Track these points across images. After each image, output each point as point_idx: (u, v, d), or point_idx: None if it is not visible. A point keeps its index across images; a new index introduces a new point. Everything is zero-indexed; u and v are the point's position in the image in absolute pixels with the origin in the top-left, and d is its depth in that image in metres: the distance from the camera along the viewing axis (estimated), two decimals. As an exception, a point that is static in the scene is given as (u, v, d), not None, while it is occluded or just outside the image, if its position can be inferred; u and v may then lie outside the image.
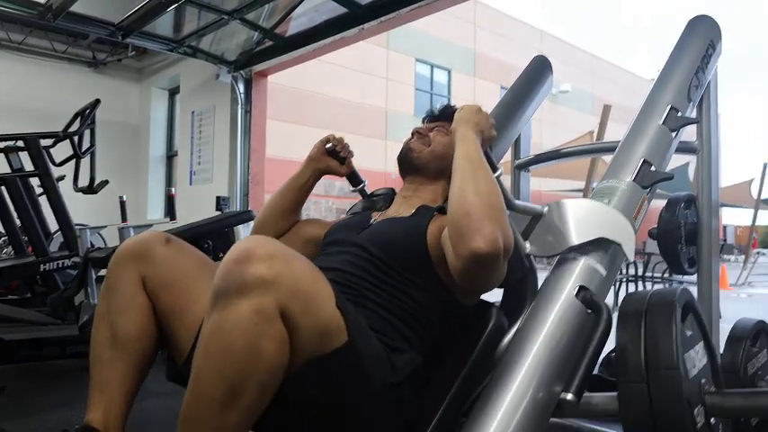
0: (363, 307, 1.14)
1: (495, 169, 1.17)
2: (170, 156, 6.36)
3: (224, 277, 0.88)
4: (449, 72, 15.16)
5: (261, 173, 4.78)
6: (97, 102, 3.37)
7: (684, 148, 1.47)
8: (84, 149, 3.38)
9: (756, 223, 14.04)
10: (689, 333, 1.11)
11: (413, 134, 1.47)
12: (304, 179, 1.52)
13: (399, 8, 3.36)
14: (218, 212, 3.19)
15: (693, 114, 1.38)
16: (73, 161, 3.45)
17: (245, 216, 2.69)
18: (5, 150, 3.32)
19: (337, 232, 1.40)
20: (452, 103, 1.48)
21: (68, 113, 3.47)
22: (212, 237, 2.50)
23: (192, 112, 5.30)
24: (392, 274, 1.20)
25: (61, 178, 3.58)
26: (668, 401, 0.99)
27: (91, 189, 3.48)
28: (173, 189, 3.17)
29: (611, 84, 19.83)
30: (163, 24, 4.13)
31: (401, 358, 1.10)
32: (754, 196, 12.74)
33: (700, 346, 1.14)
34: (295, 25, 4.00)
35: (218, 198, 3.29)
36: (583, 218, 1.15)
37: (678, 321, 1.05)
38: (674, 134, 1.27)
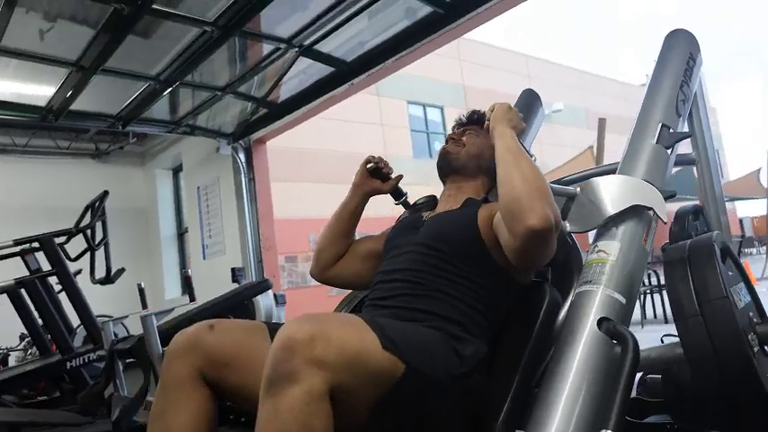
0: (435, 299, 1.25)
1: (531, 156, 1.31)
2: (181, 233, 6.45)
3: (273, 366, 0.95)
4: (441, 109, 15.36)
5: (272, 237, 4.83)
6: (105, 193, 3.45)
7: (682, 161, 1.48)
8: (97, 242, 3.44)
9: (772, 211, 13.89)
10: (730, 273, 1.17)
11: (447, 140, 1.60)
12: (353, 205, 1.63)
13: (385, 60, 3.46)
14: (235, 284, 3.21)
15: (685, 128, 1.40)
16: (88, 254, 3.51)
17: (262, 286, 2.71)
18: (22, 253, 3.39)
19: (395, 238, 1.49)
20: (478, 110, 1.61)
21: (78, 206, 3.55)
22: (234, 311, 2.51)
23: (198, 188, 5.40)
24: (454, 262, 1.29)
25: (78, 272, 3.63)
26: (724, 329, 1.04)
27: (108, 279, 3.52)
28: (189, 270, 3.22)
29: (602, 95, 19.98)
30: (160, 109, 4.25)
31: (468, 348, 1.18)
32: (765, 185, 12.64)
33: (741, 286, 1.20)
34: (286, 90, 4.11)
35: (233, 270, 3.33)
36: (614, 191, 1.25)
37: (719, 260, 1.11)
38: (669, 151, 1.29)
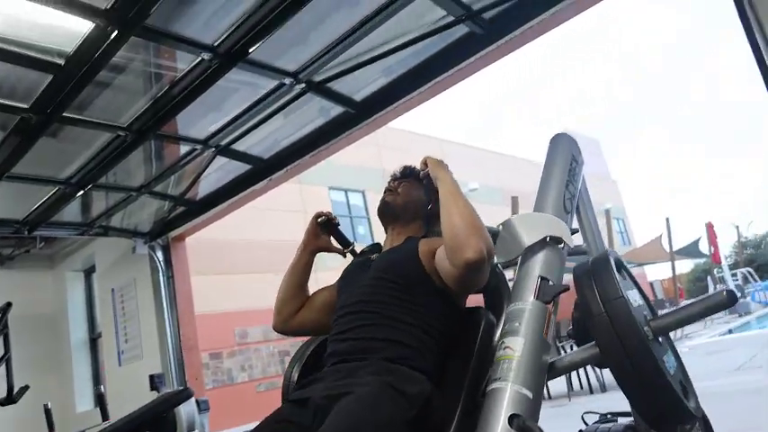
0: (391, 327, 1.41)
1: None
2: (93, 338, 6.05)
3: None
4: (363, 193, 15.72)
5: (193, 336, 4.63)
6: (8, 305, 3.23)
7: (575, 253, 1.61)
8: (-3, 358, 3.18)
9: (677, 272, 14.89)
10: (624, 281, 1.36)
11: (384, 191, 1.80)
12: (303, 262, 1.80)
13: (302, 156, 3.56)
14: (155, 391, 3.04)
15: (574, 222, 1.54)
16: (-13, 372, 3.23)
17: (183, 395, 2.57)
18: None
19: (347, 279, 1.67)
20: (411, 165, 1.84)
21: (-23, 320, 3.29)
22: (153, 425, 2.36)
23: (113, 290, 5.15)
24: (403, 291, 1.46)
25: (-26, 393, 3.31)
26: (624, 323, 1.23)
27: (10, 399, 3.23)
28: (102, 387, 3.03)
29: (514, 174, 21.18)
30: (70, 211, 4.11)
31: (414, 387, 1.29)
32: (667, 249, 13.60)
33: (635, 291, 1.41)
34: (204, 187, 4.10)
35: (151, 377, 3.16)
36: (529, 226, 1.48)
37: (614, 269, 1.32)
38: (561, 246, 1.42)
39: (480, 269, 1.33)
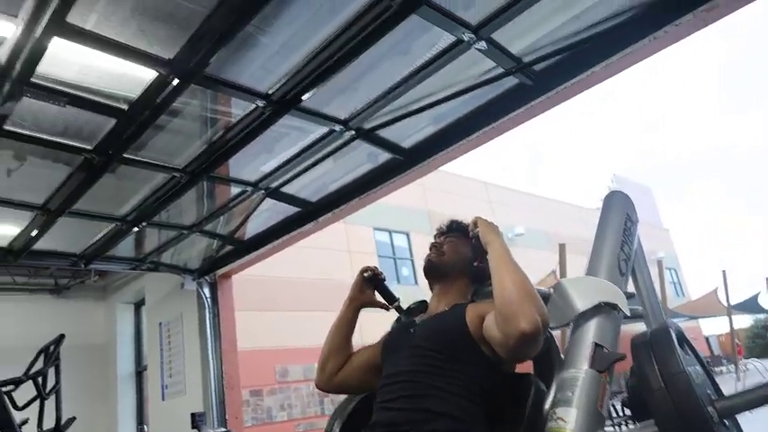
0: (435, 397, 1.37)
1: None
2: (139, 371, 6.16)
3: None
4: (407, 235, 15.70)
5: (235, 375, 4.65)
6: (62, 337, 3.33)
7: (631, 316, 1.54)
8: (48, 389, 3.26)
9: (735, 327, 14.12)
10: (687, 356, 1.30)
11: (430, 247, 1.76)
12: (349, 317, 1.80)
13: (349, 200, 3.58)
14: (195, 430, 3.04)
15: (630, 286, 1.48)
16: (37, 401, 3.31)
17: (221, 438, 2.56)
18: (-36, 403, 3.17)
19: (392, 342, 1.65)
20: (457, 219, 1.80)
21: (33, 345, 3.39)
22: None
23: (160, 324, 5.26)
24: (448, 360, 1.42)
25: (24, 422, 3.39)
26: (686, 399, 1.16)
27: (57, 430, 3.29)
28: (145, 427, 3.04)
29: (559, 218, 20.79)
30: (124, 247, 4.25)
31: None
32: (724, 303, 12.96)
33: (698, 366, 1.33)
34: (252, 228, 4.18)
35: (192, 416, 3.18)
36: (582, 290, 1.42)
37: (675, 343, 1.26)
38: (616, 311, 1.36)
39: (535, 340, 1.27)
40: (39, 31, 1.89)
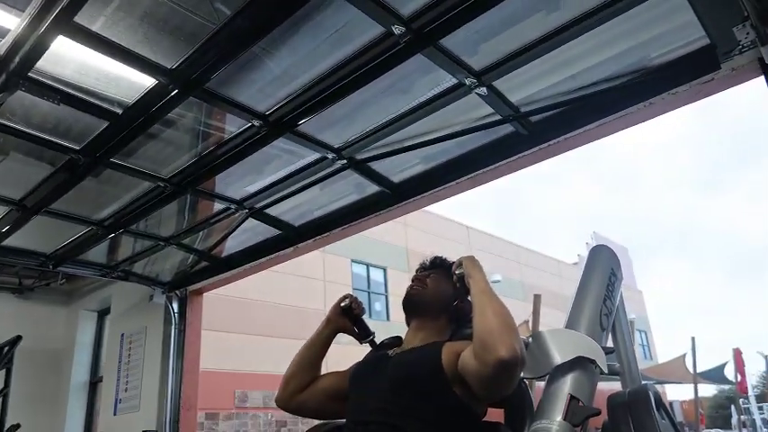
0: None
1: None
2: (94, 382, 5.94)
3: None
4: (384, 270, 15.67)
5: (194, 396, 4.50)
6: (18, 339, 3.22)
7: (610, 373, 1.54)
8: (-3, 391, 3.13)
9: (699, 395, 14.20)
10: (662, 420, 1.30)
11: (412, 280, 1.73)
12: (324, 336, 1.77)
13: (332, 229, 3.56)
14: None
15: (609, 341, 1.48)
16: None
17: (174, 460, 2.46)
18: None
19: (361, 377, 1.59)
20: (441, 256, 1.80)
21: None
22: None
23: (122, 335, 5.10)
24: (416, 401, 1.38)
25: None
26: None
27: (0, 436, 3.15)
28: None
29: (538, 270, 20.96)
30: (96, 252, 4.15)
31: None
32: (690, 370, 13.06)
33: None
34: (231, 246, 4.12)
35: (144, 434, 3.05)
36: (562, 342, 1.38)
37: (653, 407, 1.26)
38: (594, 366, 1.36)
39: (512, 371, 1.27)
40: (44, 27, 1.87)
